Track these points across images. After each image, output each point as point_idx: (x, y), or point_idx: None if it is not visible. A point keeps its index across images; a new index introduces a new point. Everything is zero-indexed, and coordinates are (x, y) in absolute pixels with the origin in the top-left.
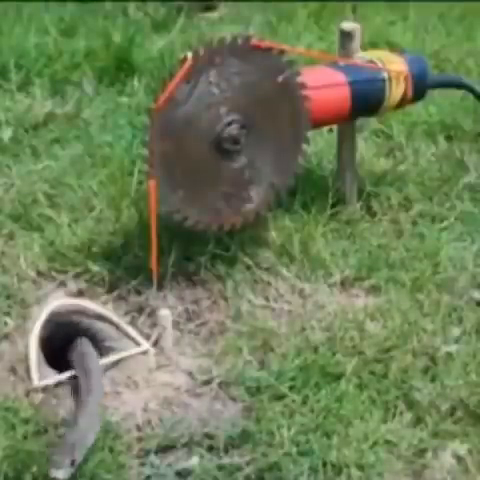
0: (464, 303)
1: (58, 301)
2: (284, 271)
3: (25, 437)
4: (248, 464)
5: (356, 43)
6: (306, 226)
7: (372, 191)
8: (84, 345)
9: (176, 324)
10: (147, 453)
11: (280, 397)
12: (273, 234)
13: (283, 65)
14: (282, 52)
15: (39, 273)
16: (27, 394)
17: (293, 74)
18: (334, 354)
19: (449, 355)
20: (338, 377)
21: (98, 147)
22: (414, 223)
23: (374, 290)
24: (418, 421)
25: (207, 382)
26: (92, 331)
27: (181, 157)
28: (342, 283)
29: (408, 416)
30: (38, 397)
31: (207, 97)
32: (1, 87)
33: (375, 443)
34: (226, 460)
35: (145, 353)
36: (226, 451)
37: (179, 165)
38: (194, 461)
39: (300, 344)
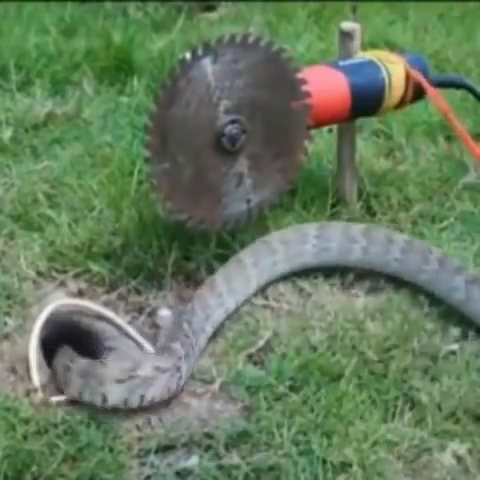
0: None
1: (58, 301)
2: None
3: (25, 437)
4: (248, 464)
5: (356, 43)
6: None
7: (372, 191)
8: None
9: None
10: (147, 453)
11: (280, 397)
12: None
13: (283, 62)
14: (282, 49)
15: (39, 273)
16: (27, 394)
17: (293, 70)
18: (334, 354)
19: (449, 355)
20: (338, 377)
21: (98, 147)
22: (414, 223)
23: (374, 290)
24: (418, 421)
25: (207, 382)
26: (92, 331)
27: (183, 157)
28: (342, 283)
29: (408, 416)
30: (38, 397)
31: (207, 96)
32: (1, 87)
33: (375, 443)
34: (226, 460)
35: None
36: (226, 451)
37: (181, 165)
38: (194, 461)
39: (300, 344)
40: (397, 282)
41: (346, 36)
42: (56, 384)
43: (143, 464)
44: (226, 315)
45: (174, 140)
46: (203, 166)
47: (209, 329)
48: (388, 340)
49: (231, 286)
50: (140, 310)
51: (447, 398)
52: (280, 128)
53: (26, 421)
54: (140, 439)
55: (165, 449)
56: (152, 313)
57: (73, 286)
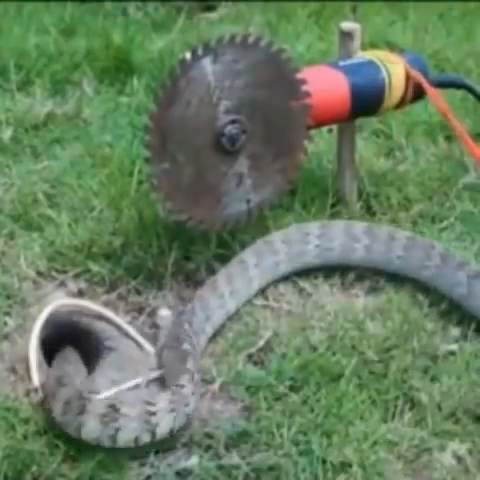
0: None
1: (58, 301)
2: None
3: (25, 437)
4: (248, 464)
5: (356, 43)
6: None
7: (372, 191)
8: None
9: None
10: (147, 453)
11: (280, 397)
12: None
13: (283, 62)
14: (282, 49)
15: (39, 273)
16: (27, 394)
17: (293, 70)
18: (334, 354)
19: (449, 355)
20: (338, 377)
21: (98, 147)
22: (414, 223)
23: (374, 290)
24: (418, 421)
25: (207, 382)
26: (92, 331)
27: (183, 157)
28: (342, 283)
29: (408, 416)
30: (38, 397)
31: (207, 96)
32: (1, 87)
33: (375, 443)
34: (226, 460)
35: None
36: (226, 451)
37: (181, 165)
38: (194, 461)
39: (300, 344)
40: (397, 282)
41: (346, 36)
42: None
43: (143, 464)
44: (227, 316)
45: (174, 140)
46: (203, 166)
47: (209, 330)
48: (388, 340)
49: (233, 287)
50: (140, 310)
51: (447, 398)
52: (280, 128)
53: (26, 421)
54: None
55: (165, 449)
56: (152, 313)
57: (73, 286)
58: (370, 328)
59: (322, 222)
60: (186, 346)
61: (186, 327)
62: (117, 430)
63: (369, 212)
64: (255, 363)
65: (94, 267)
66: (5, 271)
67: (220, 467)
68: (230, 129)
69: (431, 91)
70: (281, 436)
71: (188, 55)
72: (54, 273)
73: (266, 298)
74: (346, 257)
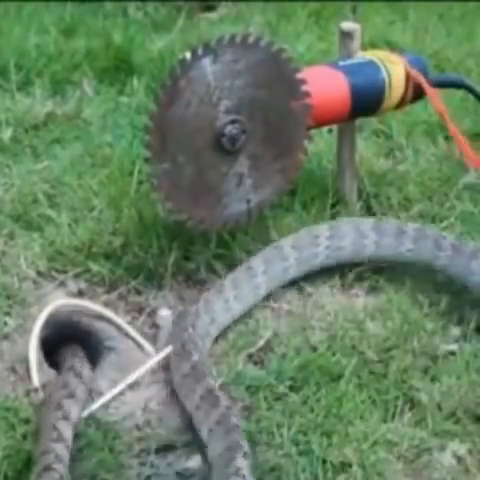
0: (464, 303)
1: (58, 301)
2: None
3: (25, 437)
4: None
5: (356, 43)
6: (306, 226)
7: (372, 191)
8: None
9: None
10: (147, 453)
11: (280, 397)
12: (273, 234)
13: (283, 62)
14: (282, 49)
15: (39, 273)
16: (27, 394)
17: (293, 70)
18: (334, 354)
19: (449, 355)
20: (338, 377)
21: (98, 147)
22: (414, 223)
23: (374, 290)
24: (418, 421)
25: None
26: (92, 331)
27: (183, 157)
28: (342, 283)
29: (408, 416)
30: (38, 397)
31: (207, 96)
32: (1, 87)
33: (375, 443)
34: None
35: (147, 353)
36: None
37: (181, 165)
38: (194, 461)
39: (300, 344)
40: (397, 282)
41: (346, 36)
42: None
43: (143, 464)
44: (232, 320)
45: (174, 140)
46: (203, 166)
47: (214, 332)
48: (388, 340)
49: (238, 293)
50: (140, 310)
51: (447, 398)
52: (280, 128)
53: (26, 421)
54: (140, 439)
55: (165, 449)
56: (152, 313)
57: (73, 286)
58: (370, 328)
59: (330, 223)
60: (195, 357)
61: (190, 331)
62: None
63: (369, 212)
64: (255, 363)
65: (94, 267)
66: (5, 271)
67: None
68: (230, 129)
69: (431, 91)
70: (281, 436)
71: (188, 55)
72: (54, 273)
73: (266, 298)
74: (357, 254)
